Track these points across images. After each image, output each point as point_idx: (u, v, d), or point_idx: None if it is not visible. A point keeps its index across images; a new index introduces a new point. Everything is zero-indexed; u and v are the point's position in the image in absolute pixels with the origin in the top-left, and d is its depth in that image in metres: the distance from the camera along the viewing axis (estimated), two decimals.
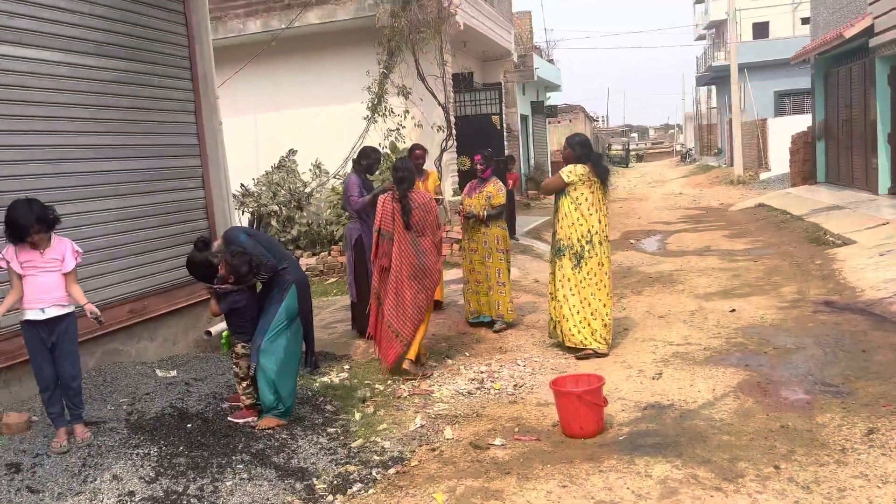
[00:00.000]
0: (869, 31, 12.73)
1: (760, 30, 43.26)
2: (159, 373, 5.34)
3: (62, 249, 3.88)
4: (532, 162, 21.30)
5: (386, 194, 5.77)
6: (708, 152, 41.08)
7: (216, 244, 4.62)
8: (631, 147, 61.46)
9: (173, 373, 5.42)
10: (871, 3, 12.69)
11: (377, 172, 7.31)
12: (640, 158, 59.58)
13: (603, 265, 5.86)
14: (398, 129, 10.29)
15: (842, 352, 5.52)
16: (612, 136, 61.46)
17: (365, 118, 10.46)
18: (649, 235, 13.29)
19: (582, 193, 5.76)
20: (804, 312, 6.80)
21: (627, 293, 8.34)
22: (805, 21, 37.46)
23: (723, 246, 11.27)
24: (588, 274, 5.82)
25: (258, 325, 4.52)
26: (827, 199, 14.02)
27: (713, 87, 41.57)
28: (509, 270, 7.00)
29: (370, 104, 10.32)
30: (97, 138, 5.19)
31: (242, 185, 11.09)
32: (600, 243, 5.81)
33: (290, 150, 11.29)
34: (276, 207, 10.89)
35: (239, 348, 4.53)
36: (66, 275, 3.88)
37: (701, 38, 51.85)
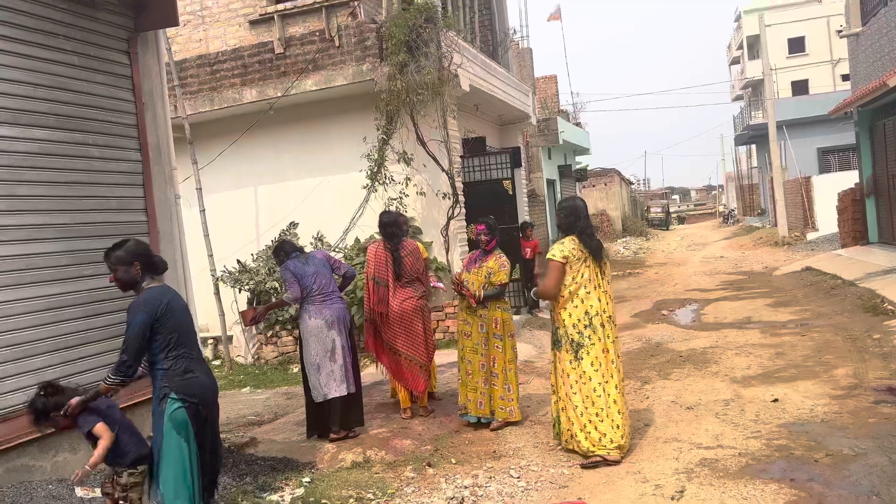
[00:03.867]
0: None
1: (800, 87, 42.39)
2: (79, 492, 4.49)
3: None
4: None
5: (377, 243, 6.35)
6: (751, 213, 39.70)
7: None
8: (672, 209, 60.16)
9: (97, 491, 4.57)
10: None
11: None
12: (681, 220, 58.27)
13: (608, 351, 4.88)
14: (400, 197, 9.57)
15: None
16: (652, 198, 60.29)
17: (365, 187, 9.79)
18: (684, 305, 12.15)
19: (578, 270, 4.83)
20: (863, 403, 5.66)
21: (653, 376, 7.27)
22: (845, 77, 36.47)
23: (765, 317, 10.09)
24: (591, 365, 4.84)
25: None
26: (882, 261, 12.73)
27: (753, 147, 40.53)
28: (513, 361, 6.02)
29: (370, 172, 9.65)
30: (12, 218, 4.52)
31: (239, 261, 10.47)
32: (602, 326, 4.84)
33: (290, 223, 10.65)
34: (275, 284, 10.19)
35: (123, 477, 3.73)
36: None
37: (739, 97, 51.10)
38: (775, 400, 5.99)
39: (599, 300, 4.85)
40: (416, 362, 6.21)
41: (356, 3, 9.69)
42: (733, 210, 47.18)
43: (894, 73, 12.16)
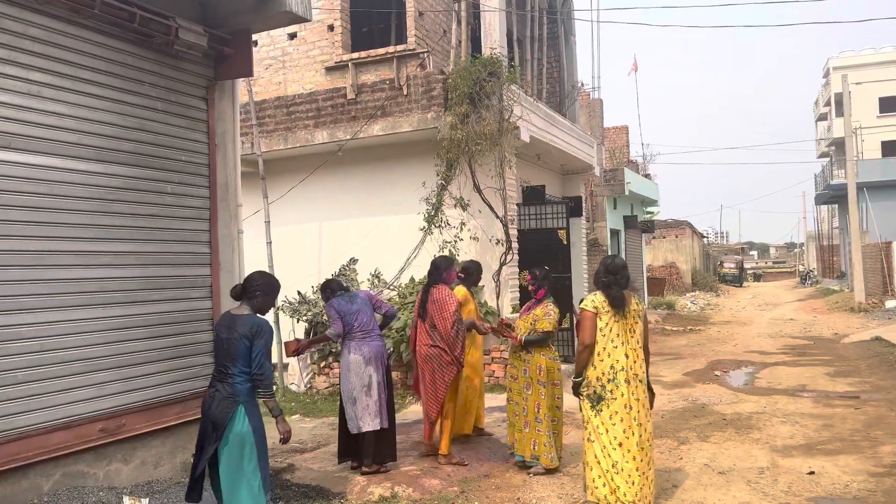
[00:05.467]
0: None
1: (890, 148, 40.80)
2: (127, 501, 4.88)
3: None
4: None
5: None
6: (830, 275, 38.24)
7: None
8: (748, 265, 58.43)
9: (144, 501, 4.95)
10: None
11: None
12: (757, 278, 56.55)
13: (631, 408, 4.96)
14: (454, 241, 9.87)
15: None
16: (727, 253, 58.73)
17: (421, 229, 10.15)
18: (739, 367, 11.91)
19: (606, 323, 4.98)
20: None
21: (692, 437, 7.23)
22: None
23: (821, 386, 9.82)
24: (609, 419, 4.93)
25: None
26: None
27: (836, 206, 39.20)
28: (558, 408, 6.22)
29: (427, 215, 10.02)
30: (90, 244, 5.02)
31: (299, 292, 10.95)
32: (627, 382, 4.94)
33: (351, 259, 11.10)
34: None
35: None
36: None
37: (824, 155, 49.59)
38: (811, 472, 5.90)
39: (627, 356, 4.96)
40: (424, 409, 6.44)
41: (425, 55, 10.19)
42: (812, 271, 45.50)
43: None
